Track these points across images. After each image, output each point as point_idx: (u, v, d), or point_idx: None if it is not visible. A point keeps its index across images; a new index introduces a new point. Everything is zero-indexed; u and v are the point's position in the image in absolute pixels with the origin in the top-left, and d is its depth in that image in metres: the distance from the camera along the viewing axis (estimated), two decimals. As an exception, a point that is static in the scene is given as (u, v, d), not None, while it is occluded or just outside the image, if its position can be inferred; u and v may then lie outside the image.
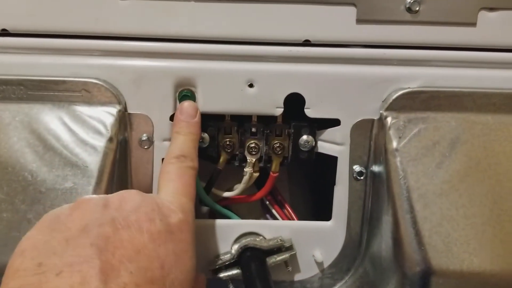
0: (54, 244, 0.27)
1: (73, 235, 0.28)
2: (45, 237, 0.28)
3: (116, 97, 0.40)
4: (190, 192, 0.35)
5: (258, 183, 0.46)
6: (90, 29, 0.40)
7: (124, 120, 0.41)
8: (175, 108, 0.41)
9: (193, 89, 0.41)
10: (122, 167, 0.41)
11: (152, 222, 0.30)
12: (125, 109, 0.41)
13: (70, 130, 0.39)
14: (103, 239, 0.28)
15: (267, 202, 0.48)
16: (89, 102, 0.40)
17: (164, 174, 0.36)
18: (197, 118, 0.40)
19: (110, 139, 0.39)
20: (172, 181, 0.35)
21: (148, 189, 0.43)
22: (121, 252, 0.27)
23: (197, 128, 0.40)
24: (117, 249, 0.28)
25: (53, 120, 0.40)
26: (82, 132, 0.39)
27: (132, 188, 0.43)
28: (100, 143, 0.39)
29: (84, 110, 0.40)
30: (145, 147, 0.42)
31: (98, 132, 0.39)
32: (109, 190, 0.39)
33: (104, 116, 0.40)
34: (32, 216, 0.37)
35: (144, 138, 0.42)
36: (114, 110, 0.40)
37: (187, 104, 0.40)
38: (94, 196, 0.32)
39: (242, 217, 0.46)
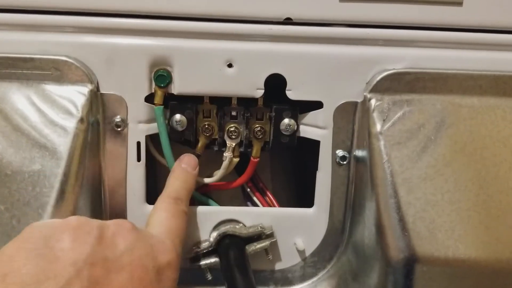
0: (41, 278, 0.26)
1: (62, 272, 0.27)
2: (31, 266, 0.27)
3: (87, 76, 0.38)
4: (182, 235, 0.36)
5: (238, 170, 0.45)
6: (60, 4, 0.38)
7: (96, 100, 0.39)
8: (150, 88, 0.40)
9: (169, 68, 0.39)
10: (94, 150, 0.40)
11: (144, 270, 0.30)
12: (97, 89, 0.39)
13: (39, 110, 0.38)
14: (93, 284, 0.27)
15: (248, 190, 0.46)
16: (59, 81, 0.38)
17: (160, 210, 0.37)
18: (196, 171, 0.41)
19: (81, 120, 0.38)
20: (168, 219, 0.36)
21: (121, 174, 0.41)
22: None
23: (194, 181, 0.41)
24: None
25: (20, 99, 0.38)
26: (52, 112, 0.38)
27: (105, 173, 0.41)
28: (70, 124, 0.37)
29: (53, 89, 0.38)
30: (119, 129, 0.40)
31: (69, 113, 0.38)
32: (80, 173, 0.37)
33: (75, 95, 0.38)
34: (-3, 199, 0.36)
35: (117, 120, 0.40)
36: (85, 89, 0.38)
37: (188, 156, 0.41)
38: (87, 220, 0.30)
39: (223, 205, 0.45)
